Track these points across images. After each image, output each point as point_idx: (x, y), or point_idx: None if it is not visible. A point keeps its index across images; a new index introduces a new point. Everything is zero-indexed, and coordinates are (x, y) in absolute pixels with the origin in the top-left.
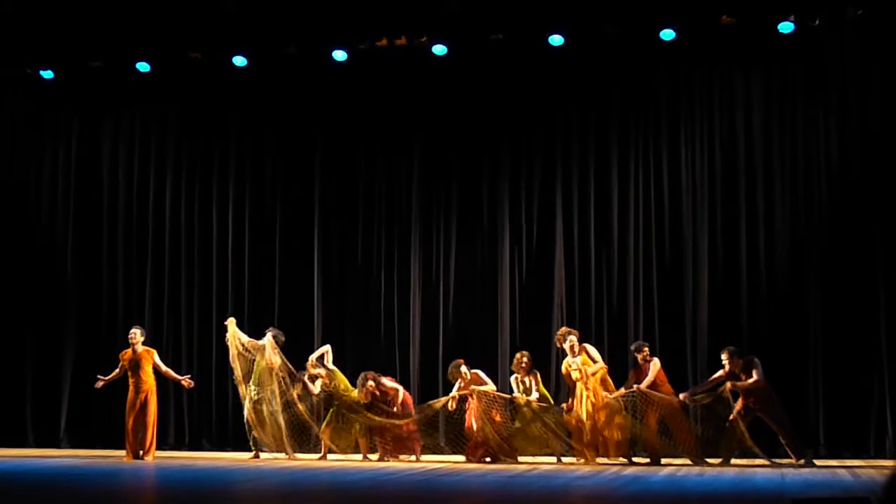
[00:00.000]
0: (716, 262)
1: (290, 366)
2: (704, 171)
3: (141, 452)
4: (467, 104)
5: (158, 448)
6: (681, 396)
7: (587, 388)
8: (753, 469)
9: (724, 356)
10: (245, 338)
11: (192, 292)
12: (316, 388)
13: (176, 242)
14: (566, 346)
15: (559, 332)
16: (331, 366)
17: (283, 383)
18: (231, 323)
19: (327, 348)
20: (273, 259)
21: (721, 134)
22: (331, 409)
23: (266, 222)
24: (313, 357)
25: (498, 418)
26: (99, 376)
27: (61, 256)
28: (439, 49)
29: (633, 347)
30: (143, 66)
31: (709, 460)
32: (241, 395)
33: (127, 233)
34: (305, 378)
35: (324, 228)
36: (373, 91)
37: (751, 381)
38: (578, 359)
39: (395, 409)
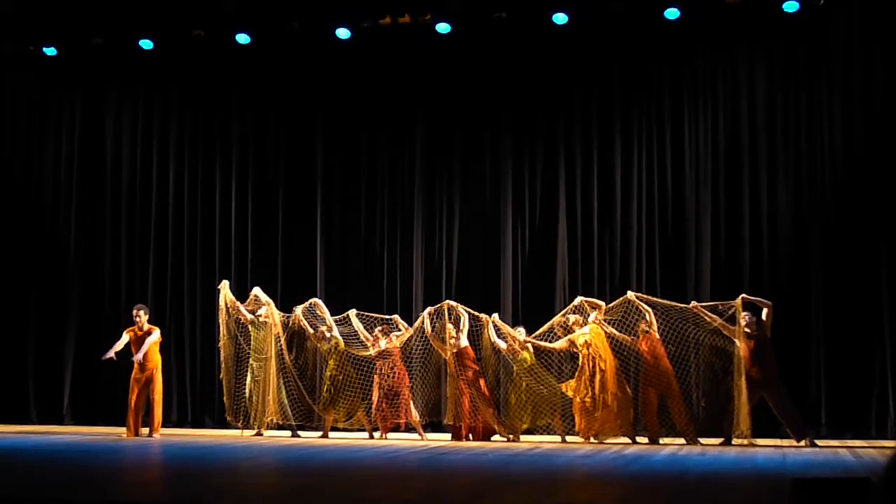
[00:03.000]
0: (718, 241)
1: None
2: (708, 150)
3: (148, 430)
4: (471, 82)
5: (161, 425)
6: (693, 303)
7: (600, 357)
8: (754, 449)
9: (744, 313)
10: (240, 305)
11: (195, 269)
12: (309, 327)
13: (179, 219)
14: (571, 322)
15: (557, 324)
16: (336, 334)
17: (281, 346)
18: (224, 286)
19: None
20: (276, 236)
21: (725, 113)
22: (325, 386)
23: (269, 200)
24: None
25: (485, 389)
26: (111, 356)
27: (64, 233)
28: (443, 27)
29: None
30: (145, 44)
31: (710, 440)
32: (221, 358)
33: (130, 209)
34: (298, 311)
35: (326, 206)
36: (376, 69)
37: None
38: (588, 328)
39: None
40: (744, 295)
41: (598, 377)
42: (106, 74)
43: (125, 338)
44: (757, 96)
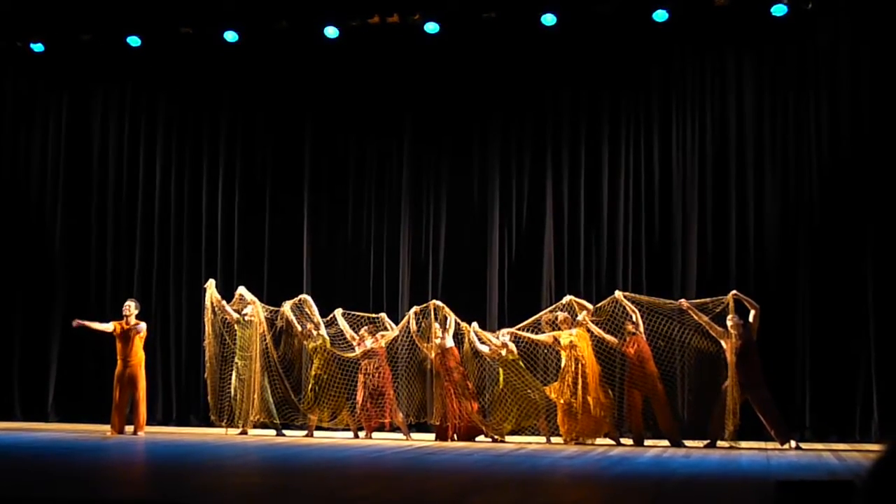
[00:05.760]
0: (705, 243)
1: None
2: (695, 152)
3: (132, 428)
4: (459, 82)
5: (146, 423)
6: (681, 301)
7: (583, 358)
8: (739, 451)
9: (731, 315)
10: (225, 304)
11: (181, 266)
12: (296, 324)
13: (165, 217)
14: (559, 320)
15: (545, 319)
16: (324, 332)
17: (266, 345)
18: (210, 285)
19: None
20: (262, 234)
21: (712, 115)
22: (310, 385)
23: (256, 198)
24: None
25: (470, 386)
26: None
27: (50, 229)
28: (431, 27)
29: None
30: (133, 41)
31: (695, 442)
32: (206, 357)
33: (116, 206)
34: (286, 307)
35: (313, 205)
36: (364, 68)
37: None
38: (574, 330)
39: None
40: (735, 291)
41: (580, 381)
42: (93, 72)
43: (110, 326)
44: (745, 98)
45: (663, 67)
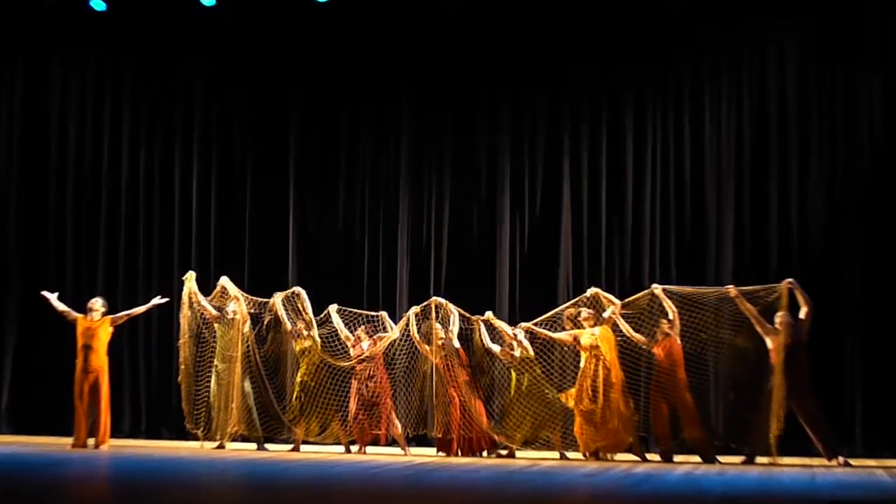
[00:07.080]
0: (742, 235)
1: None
2: (731, 132)
3: (93, 440)
4: (465, 54)
5: (112, 436)
6: (729, 287)
7: (606, 361)
8: (780, 468)
9: (780, 313)
10: (204, 300)
11: (151, 257)
12: (286, 320)
13: (133, 203)
14: (581, 317)
15: (566, 314)
16: (316, 336)
17: (249, 346)
18: (190, 278)
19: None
20: (243, 223)
21: (750, 90)
22: (295, 392)
23: (235, 181)
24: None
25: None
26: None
27: (2, 214)
28: None
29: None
30: (98, 4)
31: (731, 458)
32: (181, 358)
33: (77, 192)
34: (278, 300)
35: (300, 189)
36: (358, 37)
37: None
38: (597, 329)
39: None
40: (790, 280)
41: (601, 387)
42: (52, 39)
43: (75, 317)
44: (787, 72)
45: (696, 37)
